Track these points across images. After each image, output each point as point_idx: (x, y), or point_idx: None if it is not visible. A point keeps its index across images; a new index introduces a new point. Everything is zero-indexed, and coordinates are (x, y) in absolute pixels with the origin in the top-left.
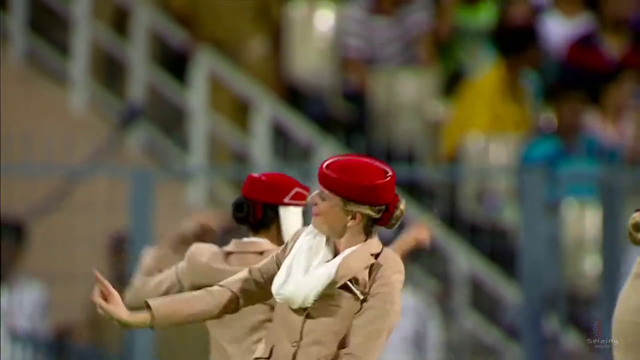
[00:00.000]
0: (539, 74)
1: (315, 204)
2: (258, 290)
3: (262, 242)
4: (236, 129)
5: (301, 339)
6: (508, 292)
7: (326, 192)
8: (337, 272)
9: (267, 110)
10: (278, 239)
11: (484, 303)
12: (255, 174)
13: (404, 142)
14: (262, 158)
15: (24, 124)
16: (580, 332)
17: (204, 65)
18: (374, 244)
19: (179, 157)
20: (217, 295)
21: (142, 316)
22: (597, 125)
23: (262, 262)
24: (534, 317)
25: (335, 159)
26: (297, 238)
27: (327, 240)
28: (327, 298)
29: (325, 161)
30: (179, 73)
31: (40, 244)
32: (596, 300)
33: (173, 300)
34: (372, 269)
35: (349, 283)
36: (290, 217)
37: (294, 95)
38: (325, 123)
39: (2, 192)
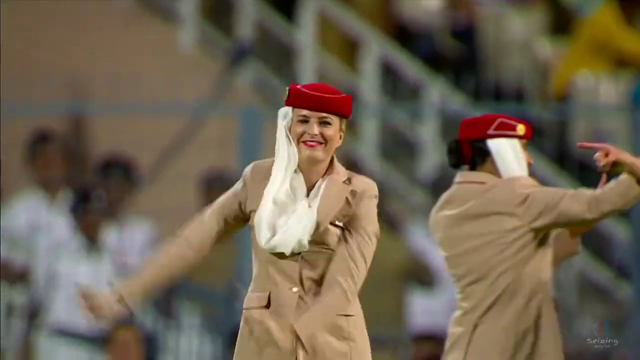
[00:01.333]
0: None
1: (321, 134)
2: (219, 231)
3: (483, 174)
4: (345, 68)
5: (302, 284)
6: (618, 230)
7: (330, 117)
8: (318, 215)
9: (376, 48)
10: (497, 173)
11: (593, 241)
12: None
13: (513, 80)
14: (371, 96)
15: (133, 62)
16: None
17: (313, 3)
18: (338, 168)
19: None
20: (176, 249)
21: (115, 303)
22: None
23: (222, 200)
24: None
25: (304, 85)
26: (256, 177)
27: (296, 171)
28: (318, 240)
29: (300, 88)
30: (288, 11)
31: (149, 182)
32: None
33: (138, 275)
34: (350, 196)
35: (331, 223)
36: (503, 147)
37: (403, 34)
38: (435, 61)
39: (112, 131)
